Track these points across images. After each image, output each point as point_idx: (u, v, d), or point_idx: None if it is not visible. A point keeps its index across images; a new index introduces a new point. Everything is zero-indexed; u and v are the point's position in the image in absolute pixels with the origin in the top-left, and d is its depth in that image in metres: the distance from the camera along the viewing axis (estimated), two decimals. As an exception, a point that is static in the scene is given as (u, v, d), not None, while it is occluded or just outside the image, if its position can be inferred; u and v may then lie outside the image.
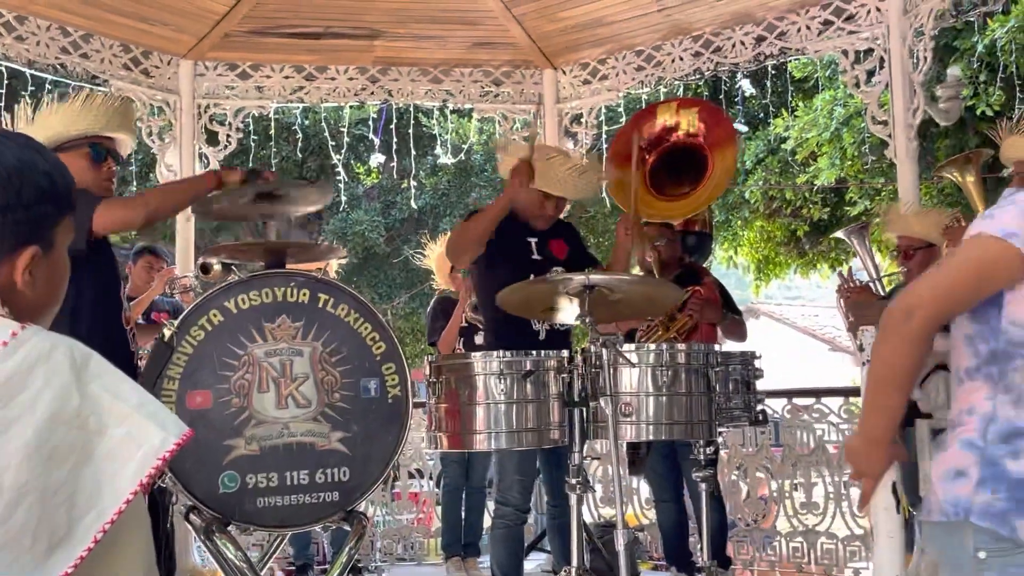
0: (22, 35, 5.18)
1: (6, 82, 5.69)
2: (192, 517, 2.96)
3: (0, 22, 5.06)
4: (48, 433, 1.15)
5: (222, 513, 2.82)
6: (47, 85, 5.72)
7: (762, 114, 11.21)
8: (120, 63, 5.70)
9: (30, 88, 5.72)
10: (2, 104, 5.27)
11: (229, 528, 2.82)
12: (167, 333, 2.83)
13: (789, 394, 5.73)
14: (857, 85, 5.07)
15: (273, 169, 4.51)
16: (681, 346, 3.52)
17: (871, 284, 4.46)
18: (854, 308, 4.07)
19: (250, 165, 9.07)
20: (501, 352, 3.46)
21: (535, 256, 3.91)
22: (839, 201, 11.18)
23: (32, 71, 5.43)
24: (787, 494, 5.66)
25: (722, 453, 5.65)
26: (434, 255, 5.73)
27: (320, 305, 2.99)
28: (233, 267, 3.24)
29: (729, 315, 4.65)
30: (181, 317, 2.88)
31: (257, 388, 2.89)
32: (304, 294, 2.98)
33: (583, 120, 6.24)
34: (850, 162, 10.01)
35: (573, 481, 3.36)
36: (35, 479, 1.13)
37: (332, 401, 2.95)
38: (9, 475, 1.12)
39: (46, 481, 1.13)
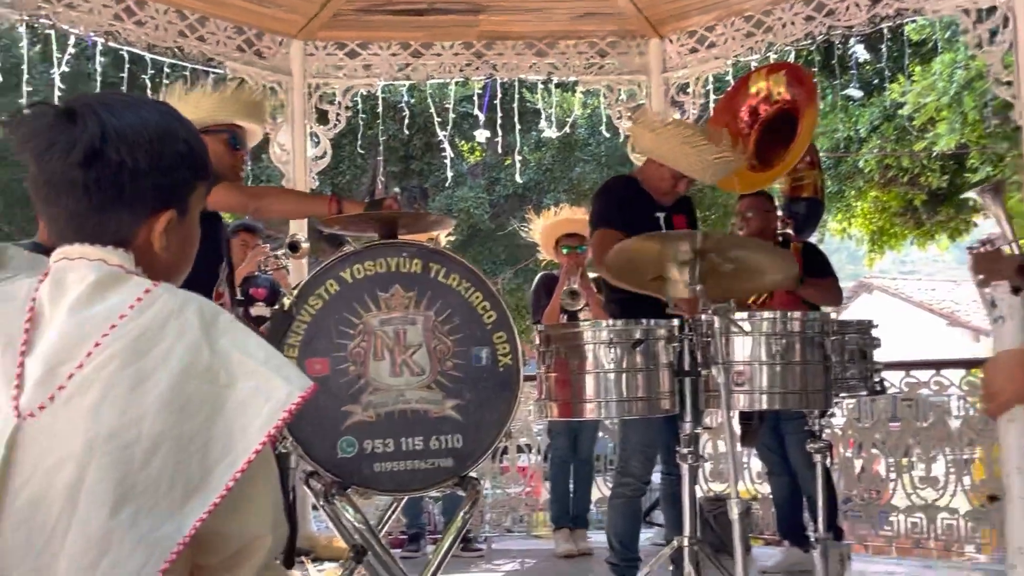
0: (141, 20, 5.36)
1: (127, 67, 5.91)
2: (312, 482, 3.05)
3: (121, 8, 5.24)
4: (181, 385, 1.20)
5: (341, 477, 2.90)
6: (165, 68, 5.92)
7: (877, 79, 10.85)
8: (234, 45, 5.85)
9: (150, 72, 5.93)
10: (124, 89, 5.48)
11: (348, 492, 2.89)
12: (287, 302, 2.91)
13: (907, 366, 5.57)
14: (979, 46, 4.86)
15: (393, 193, 4.60)
16: (796, 314, 3.44)
17: (1008, 246, 4.29)
18: (984, 261, 3.91)
19: (358, 144, 9.24)
20: (611, 321, 3.46)
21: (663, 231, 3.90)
22: (959, 168, 10.76)
23: (151, 55, 5.62)
24: (904, 469, 5.51)
25: (836, 427, 5.55)
26: (539, 228, 5.74)
27: (432, 275, 3.03)
28: (347, 239, 3.31)
29: (808, 280, 4.49)
30: (300, 286, 2.96)
31: (372, 356, 2.96)
32: (416, 264, 3.03)
33: (690, 90, 6.14)
34: (971, 127, 9.62)
35: (684, 451, 3.35)
36: (170, 429, 1.18)
37: (445, 369, 3.00)
38: (146, 424, 1.17)
39: (180, 431, 1.18)
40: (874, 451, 5.62)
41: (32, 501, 1.15)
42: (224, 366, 1.23)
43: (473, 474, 3.03)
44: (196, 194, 1.39)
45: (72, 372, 1.19)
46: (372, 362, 2.95)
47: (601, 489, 6.39)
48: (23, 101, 7.72)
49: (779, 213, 4.83)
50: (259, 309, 4.91)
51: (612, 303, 4.13)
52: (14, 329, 1.24)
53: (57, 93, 5.63)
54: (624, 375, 3.31)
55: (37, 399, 1.19)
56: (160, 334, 1.22)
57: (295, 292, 2.96)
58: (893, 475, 5.56)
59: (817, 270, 4.60)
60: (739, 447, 4.77)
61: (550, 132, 6.95)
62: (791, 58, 6.12)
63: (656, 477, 4.31)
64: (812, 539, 4.83)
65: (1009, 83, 4.74)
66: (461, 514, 2.93)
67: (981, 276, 3.55)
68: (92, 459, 1.15)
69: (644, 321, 3.35)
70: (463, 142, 12.26)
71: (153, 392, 1.18)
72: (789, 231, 4.79)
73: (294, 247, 5.41)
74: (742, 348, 3.29)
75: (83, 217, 1.29)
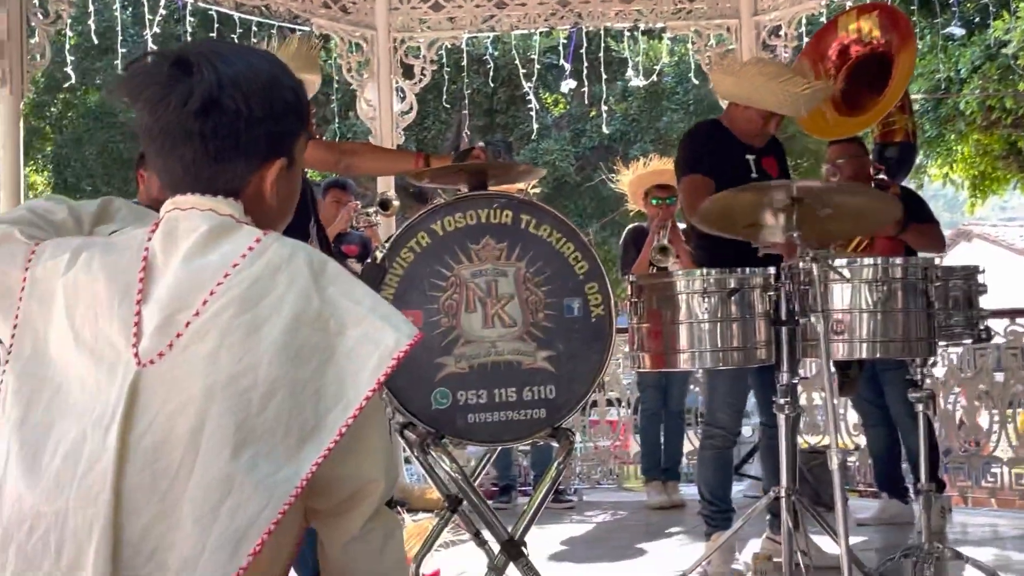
0: (230, -21, 5.42)
1: (216, 27, 5.99)
2: (406, 433, 3.08)
3: (210, -33, 5.31)
4: (294, 333, 1.21)
5: (435, 429, 2.92)
6: (253, 27, 5.98)
7: (979, 17, 10.38)
8: (319, 1, 5.88)
9: (238, 31, 6.00)
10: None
11: (443, 443, 2.92)
12: (379, 256, 2.93)
13: (1012, 314, 5.37)
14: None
15: (480, 144, 4.58)
16: (897, 260, 3.34)
17: None
18: None
19: (443, 99, 9.23)
20: (704, 270, 3.40)
21: (754, 175, 3.80)
22: (1066, 108, 10.28)
23: (239, 14, 5.68)
24: (1008, 420, 5.35)
25: (938, 378, 5.40)
26: (627, 179, 5.67)
27: (523, 226, 3.01)
28: (439, 192, 3.31)
29: (911, 225, 4.34)
30: (392, 239, 2.97)
31: (465, 308, 2.96)
32: (507, 215, 3.01)
33: (782, 32, 5.97)
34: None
35: (781, 401, 3.29)
36: (284, 375, 1.19)
37: (537, 320, 2.99)
38: (262, 371, 1.19)
39: (295, 377, 1.20)
40: (976, 402, 5.46)
41: (155, 445, 1.18)
42: (333, 314, 1.24)
43: (566, 425, 3.02)
44: (301, 143, 1.39)
45: (189, 320, 1.21)
46: (464, 314, 2.95)
47: (692, 442, 6.35)
48: (119, 63, 7.90)
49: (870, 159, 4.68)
50: (351, 265, 4.97)
51: (700, 249, 4.06)
52: (130, 278, 1.26)
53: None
54: (719, 325, 3.26)
55: (156, 347, 1.22)
56: (272, 283, 1.23)
57: (387, 245, 2.97)
58: (996, 426, 5.39)
59: (918, 215, 4.45)
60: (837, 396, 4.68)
61: (637, 81, 6.82)
62: (889, -3, 5.90)
63: (746, 430, 4.26)
64: (910, 491, 4.76)
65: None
66: (555, 464, 2.93)
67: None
68: (211, 405, 1.17)
69: (739, 270, 3.29)
70: (547, 94, 12.15)
71: (267, 340, 1.19)
72: (883, 177, 4.64)
73: (385, 204, 5.45)
74: (841, 296, 3.21)
75: (199, 167, 1.31)
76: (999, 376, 5.47)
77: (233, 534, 1.15)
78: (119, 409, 1.19)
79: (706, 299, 3.23)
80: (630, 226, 5.86)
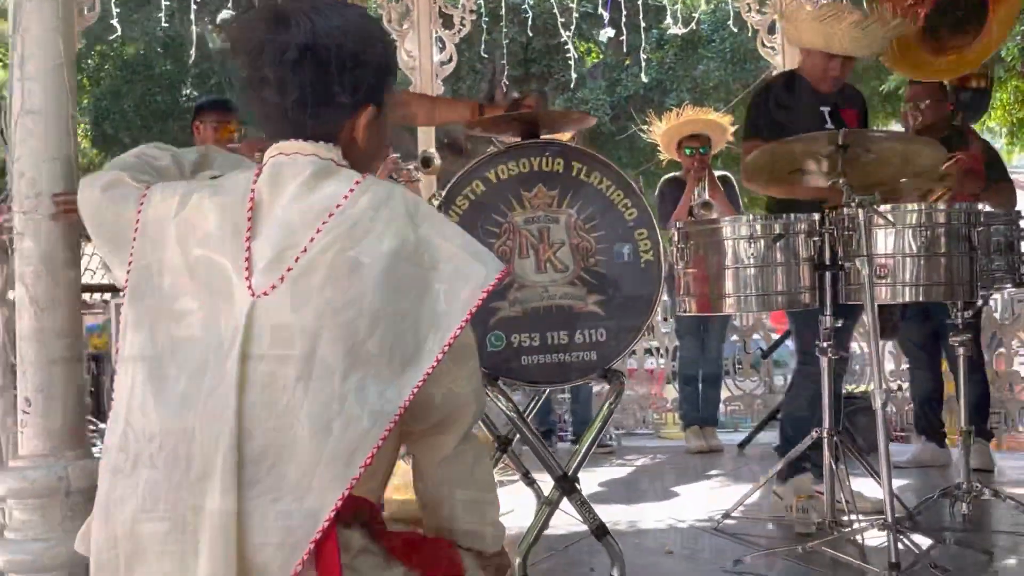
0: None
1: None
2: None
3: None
4: (393, 268, 1.31)
5: (490, 370, 3.03)
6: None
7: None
8: (361, -48, 5.90)
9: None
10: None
11: (497, 383, 3.03)
12: (435, 203, 3.02)
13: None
14: None
15: (533, 93, 4.61)
16: (940, 205, 3.39)
17: None
18: None
19: (481, 49, 9.23)
20: (751, 215, 3.47)
21: (828, 126, 3.79)
22: (1110, 53, 10.10)
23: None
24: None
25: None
26: (660, 130, 5.71)
27: (574, 174, 3.09)
28: (493, 139, 3.39)
29: (992, 184, 4.39)
30: (448, 187, 3.06)
31: (518, 254, 3.05)
32: (559, 163, 3.09)
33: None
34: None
35: (824, 344, 3.37)
36: (386, 306, 1.30)
37: (588, 266, 3.08)
38: (366, 302, 1.29)
39: (395, 308, 1.31)
40: (1015, 346, 5.50)
41: (271, 369, 1.30)
42: (427, 250, 1.34)
43: (616, 367, 3.12)
44: (390, 92, 1.49)
45: (297, 256, 1.32)
46: (517, 260, 3.05)
47: (729, 389, 6.46)
48: (160, 16, 7.97)
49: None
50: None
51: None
52: (238, 218, 1.37)
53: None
54: (764, 270, 3.34)
55: (268, 280, 1.33)
56: (372, 222, 1.34)
57: (443, 193, 3.06)
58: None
59: (998, 175, 4.48)
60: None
61: (675, 30, 6.80)
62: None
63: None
64: (947, 435, 4.85)
65: None
66: (607, 404, 3.04)
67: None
68: (322, 332, 1.28)
69: (784, 216, 3.36)
70: (582, 43, 12.09)
71: (370, 274, 1.30)
72: (958, 122, 4.63)
73: (427, 162, 5.50)
74: (885, 241, 3.27)
75: (298, 114, 1.41)
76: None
77: (346, 447, 1.26)
78: (237, 337, 1.31)
79: (752, 244, 3.30)
80: (666, 176, 5.91)
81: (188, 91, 13.27)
